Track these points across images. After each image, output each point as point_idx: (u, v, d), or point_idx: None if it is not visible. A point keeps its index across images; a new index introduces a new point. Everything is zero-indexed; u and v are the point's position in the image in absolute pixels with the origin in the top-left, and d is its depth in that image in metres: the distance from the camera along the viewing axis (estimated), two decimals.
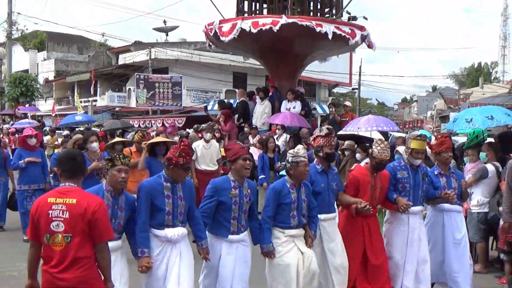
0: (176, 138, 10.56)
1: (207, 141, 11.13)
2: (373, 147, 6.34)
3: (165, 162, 5.19)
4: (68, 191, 4.00)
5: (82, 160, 4.23)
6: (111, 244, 4.58)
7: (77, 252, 3.88)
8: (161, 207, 5.04)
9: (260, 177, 11.32)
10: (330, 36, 13.89)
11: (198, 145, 10.97)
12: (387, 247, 6.44)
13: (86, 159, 7.77)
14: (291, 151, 5.83)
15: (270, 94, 15.22)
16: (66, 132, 20.59)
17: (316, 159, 6.32)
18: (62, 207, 3.90)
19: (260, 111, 14.87)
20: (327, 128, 6.36)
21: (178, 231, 5.12)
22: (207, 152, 11.05)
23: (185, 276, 5.06)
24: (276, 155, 11.84)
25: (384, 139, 11.82)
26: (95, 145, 8.49)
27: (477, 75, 72.54)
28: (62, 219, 3.88)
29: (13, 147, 21.79)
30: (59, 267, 3.88)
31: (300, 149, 5.77)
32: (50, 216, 3.91)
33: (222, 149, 11.20)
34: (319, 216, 6.03)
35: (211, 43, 16.25)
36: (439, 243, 6.64)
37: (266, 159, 11.56)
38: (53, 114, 33.68)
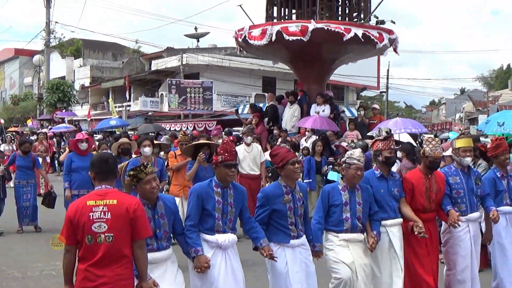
0: (220, 141, 10.21)
1: (248, 145, 10.71)
2: (424, 146, 6.00)
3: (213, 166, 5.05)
4: (106, 193, 4.09)
5: (114, 163, 4.33)
6: (161, 253, 4.58)
7: (119, 250, 3.98)
8: (211, 212, 4.87)
9: (305, 181, 10.89)
10: (361, 39, 13.80)
11: (239, 149, 10.46)
12: (450, 256, 6.07)
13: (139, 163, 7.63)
14: (348, 152, 5.63)
15: (299, 97, 15.20)
16: (99, 136, 20.90)
17: (375, 164, 6.00)
18: (103, 208, 3.99)
19: (290, 114, 14.86)
20: (386, 132, 6.03)
21: (229, 237, 4.95)
22: (248, 156, 10.65)
23: (236, 284, 4.92)
24: (324, 159, 11.49)
25: (413, 141, 11.79)
26: (148, 149, 8.09)
27: (506, 77, 71.25)
28: (105, 219, 3.97)
29: (53, 149, 22.24)
30: (100, 265, 3.96)
31: (356, 151, 5.53)
32: (91, 218, 3.99)
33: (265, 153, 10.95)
34: (385, 222, 5.70)
35: (241, 48, 16.30)
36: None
37: (313, 162, 11.28)
38: (89, 119, 34.16)
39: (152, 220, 4.56)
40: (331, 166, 11.08)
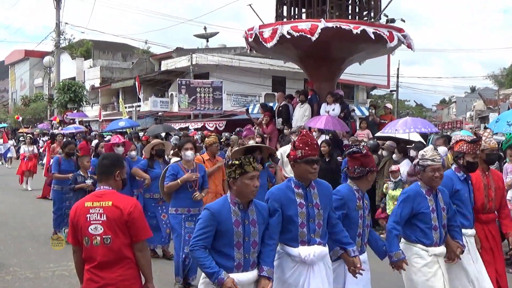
0: (252, 142, 9.55)
1: (294, 134, 10.09)
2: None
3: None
4: (103, 194, 4.08)
5: (110, 163, 4.20)
6: (245, 275, 3.98)
7: (119, 252, 3.95)
8: (293, 218, 4.19)
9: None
10: (372, 36, 13.72)
11: (285, 151, 9.78)
12: None
13: (179, 169, 7.19)
14: (420, 153, 5.07)
15: (309, 97, 15.16)
16: (108, 137, 20.95)
17: (454, 166, 5.53)
18: (99, 210, 3.97)
19: (300, 114, 14.82)
20: (475, 133, 5.61)
21: (316, 250, 4.20)
22: None
23: None
24: (345, 160, 11.02)
25: (423, 141, 11.73)
26: (190, 153, 7.26)
27: None
28: (100, 221, 3.95)
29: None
30: (101, 267, 3.95)
31: (428, 150, 4.99)
32: (88, 220, 3.99)
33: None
34: (466, 230, 5.22)
35: (251, 48, 16.29)
36: None
37: (344, 163, 10.97)
38: (100, 120, 34.29)
39: (241, 225, 4.00)
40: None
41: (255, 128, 15.82)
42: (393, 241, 4.72)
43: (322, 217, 4.28)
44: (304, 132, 4.45)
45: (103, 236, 3.92)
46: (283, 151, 9.85)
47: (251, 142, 9.61)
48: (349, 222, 4.52)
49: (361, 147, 4.65)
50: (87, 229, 3.97)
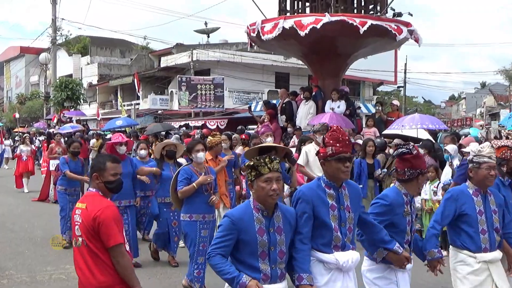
0: (270, 140, 9.21)
1: (319, 144, 9.43)
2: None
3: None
4: (86, 196, 4.18)
5: (93, 164, 4.24)
6: (276, 287, 3.78)
7: (96, 256, 3.96)
8: (326, 221, 3.97)
9: None
10: (379, 30, 13.72)
11: (309, 149, 9.54)
12: None
13: (192, 172, 6.98)
14: (474, 148, 4.88)
15: (314, 93, 15.16)
16: (110, 136, 20.96)
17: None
18: (79, 212, 4.06)
19: (305, 111, 14.83)
20: (499, 133, 5.46)
21: (352, 256, 4.03)
22: None
23: None
24: (377, 161, 10.48)
25: (432, 139, 11.73)
26: (201, 155, 7.10)
27: None
28: (79, 223, 4.04)
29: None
30: (83, 271, 4.00)
31: (486, 147, 4.72)
32: (74, 220, 4.10)
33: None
34: None
35: (253, 44, 16.30)
36: None
37: (364, 165, 10.23)
38: (99, 118, 34.32)
39: (266, 233, 3.75)
40: (385, 170, 10.34)
41: (257, 127, 15.84)
42: (430, 239, 4.54)
43: (353, 221, 4.09)
44: (335, 128, 4.19)
45: (83, 239, 3.99)
46: (307, 149, 9.53)
47: (269, 140, 9.20)
48: (396, 229, 4.32)
49: (411, 147, 4.44)
50: (74, 230, 4.08)
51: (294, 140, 13.75)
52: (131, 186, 8.41)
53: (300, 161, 9.37)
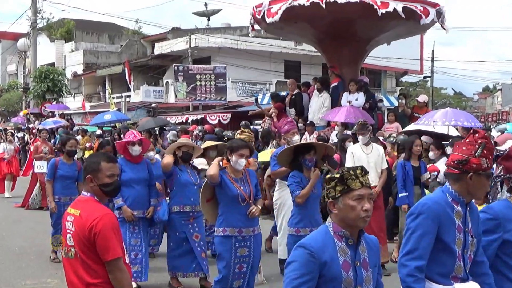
0: (296, 138, 8.69)
1: (366, 144, 9.22)
2: None
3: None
4: (79, 201, 4.11)
5: (85, 166, 4.20)
6: None
7: (91, 271, 3.93)
8: (450, 245, 3.62)
9: (400, 195, 9.34)
10: (401, 14, 13.67)
11: (354, 150, 9.21)
12: None
13: (227, 179, 6.61)
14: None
15: (335, 84, 15.06)
16: (99, 132, 21.02)
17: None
18: (72, 219, 4.00)
19: (318, 104, 14.83)
20: None
21: None
22: (368, 158, 9.06)
23: None
24: (423, 163, 9.85)
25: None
26: (243, 162, 6.67)
27: None
28: (72, 232, 3.98)
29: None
30: (78, 285, 3.96)
31: None
32: (66, 228, 4.05)
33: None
34: None
35: (260, 28, 16.29)
36: None
37: (409, 168, 9.42)
38: (84, 110, 34.35)
39: (352, 268, 3.29)
40: (436, 173, 9.94)
41: (263, 122, 15.83)
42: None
43: (475, 248, 3.75)
44: (483, 134, 3.80)
45: (76, 249, 3.94)
46: (353, 150, 9.21)
47: (296, 139, 8.56)
48: (509, 249, 3.92)
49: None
50: (65, 238, 4.03)
51: (306, 136, 13.75)
52: (147, 194, 8.11)
53: (348, 163, 8.84)
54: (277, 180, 8.90)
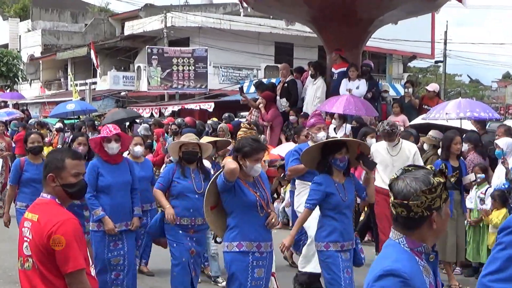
0: (323, 135, 8.35)
1: (392, 142, 9.07)
2: None
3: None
4: (37, 204, 4.06)
5: (46, 163, 4.15)
6: None
7: (50, 285, 3.90)
8: None
9: None
10: None
11: (377, 149, 9.10)
12: None
13: (241, 183, 6.26)
14: None
15: (342, 70, 15.00)
16: (58, 125, 20.90)
17: None
18: (29, 224, 3.95)
19: (312, 93, 14.79)
20: None
21: None
22: (393, 161, 8.98)
23: None
24: (463, 163, 9.53)
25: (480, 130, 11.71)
26: (258, 168, 6.31)
27: None
28: (29, 240, 3.93)
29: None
30: None
31: None
32: (22, 235, 3.99)
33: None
34: None
35: (246, 5, 16.26)
36: None
37: (448, 169, 9.54)
38: (42, 95, 34.14)
39: None
40: (483, 175, 9.63)
41: (249, 114, 15.77)
42: None
43: None
44: None
45: (32, 260, 3.91)
46: (375, 149, 9.07)
47: (322, 136, 8.24)
48: None
49: None
50: (21, 247, 3.97)
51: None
52: (129, 202, 7.77)
53: None
54: (297, 182, 8.60)
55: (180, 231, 7.47)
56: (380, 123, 9.45)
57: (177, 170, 7.57)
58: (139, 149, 9.25)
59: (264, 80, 19.74)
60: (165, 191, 7.58)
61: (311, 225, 7.55)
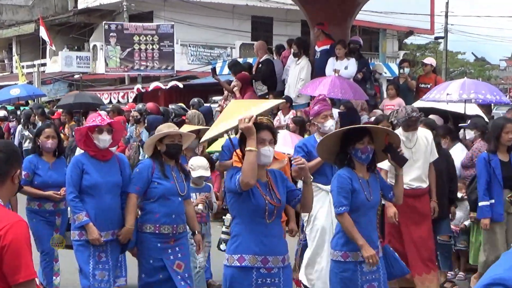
0: (331, 123, 8.03)
1: (414, 128, 8.61)
2: None
3: None
4: None
5: (8, 156, 4.12)
6: None
7: None
8: None
9: (481, 203, 8.60)
10: None
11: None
12: None
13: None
14: None
15: (324, 48, 15.04)
16: (2, 113, 20.77)
17: None
18: None
19: (295, 74, 14.82)
20: None
21: None
22: (412, 154, 8.43)
23: None
24: None
25: (484, 116, 11.77)
26: (269, 150, 5.84)
27: None
28: None
29: None
30: None
31: None
32: None
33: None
34: None
35: None
36: None
37: (496, 164, 8.66)
38: None
39: None
40: None
41: (223, 99, 15.78)
42: None
43: None
44: None
45: None
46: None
47: (330, 124, 7.96)
48: None
49: None
50: None
51: (280, 118, 13.75)
52: (119, 207, 7.28)
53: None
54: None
55: (159, 244, 7.07)
56: (401, 109, 8.99)
57: (156, 169, 7.09)
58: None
59: (240, 60, 19.62)
60: (142, 195, 7.14)
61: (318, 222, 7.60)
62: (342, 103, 13.05)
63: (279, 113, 13.92)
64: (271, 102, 5.69)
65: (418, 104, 12.99)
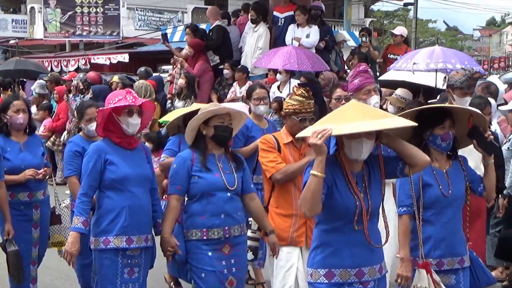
0: (375, 99, 7.34)
1: (468, 91, 7.49)
2: None
3: None
4: None
5: None
6: None
7: None
8: None
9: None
10: None
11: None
12: None
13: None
14: None
15: (288, 14, 15.01)
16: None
17: None
18: None
19: (252, 43, 14.81)
20: None
21: None
22: None
23: None
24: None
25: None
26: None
27: None
28: None
29: None
30: None
31: None
32: None
33: None
34: None
35: None
36: None
37: None
38: None
39: None
40: None
41: (174, 68, 15.74)
42: None
43: None
44: None
45: None
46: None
47: (374, 101, 7.23)
48: None
49: None
50: None
51: (235, 89, 13.74)
52: (150, 204, 6.61)
53: None
54: None
55: (210, 253, 6.31)
56: (453, 72, 8.05)
57: (196, 160, 6.33)
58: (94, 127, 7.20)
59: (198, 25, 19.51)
60: (184, 195, 6.42)
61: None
62: (303, 74, 13.01)
63: (235, 84, 13.90)
64: (400, 121, 4.68)
65: (386, 75, 13.07)
